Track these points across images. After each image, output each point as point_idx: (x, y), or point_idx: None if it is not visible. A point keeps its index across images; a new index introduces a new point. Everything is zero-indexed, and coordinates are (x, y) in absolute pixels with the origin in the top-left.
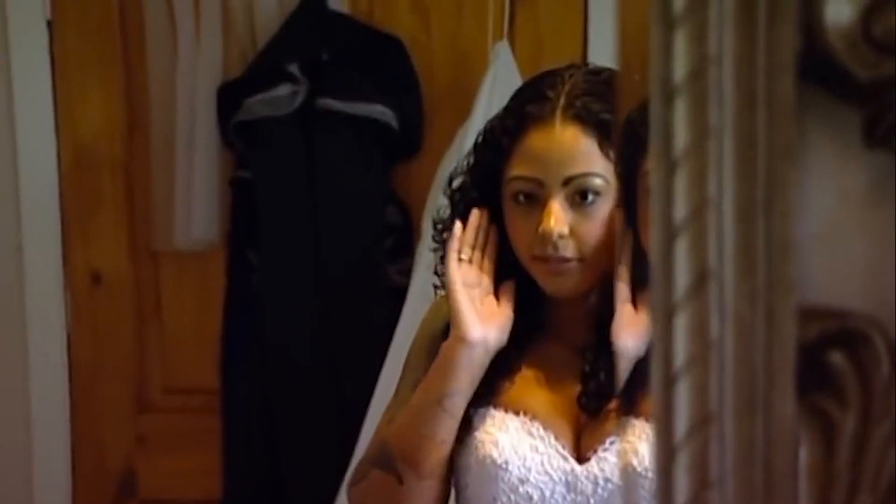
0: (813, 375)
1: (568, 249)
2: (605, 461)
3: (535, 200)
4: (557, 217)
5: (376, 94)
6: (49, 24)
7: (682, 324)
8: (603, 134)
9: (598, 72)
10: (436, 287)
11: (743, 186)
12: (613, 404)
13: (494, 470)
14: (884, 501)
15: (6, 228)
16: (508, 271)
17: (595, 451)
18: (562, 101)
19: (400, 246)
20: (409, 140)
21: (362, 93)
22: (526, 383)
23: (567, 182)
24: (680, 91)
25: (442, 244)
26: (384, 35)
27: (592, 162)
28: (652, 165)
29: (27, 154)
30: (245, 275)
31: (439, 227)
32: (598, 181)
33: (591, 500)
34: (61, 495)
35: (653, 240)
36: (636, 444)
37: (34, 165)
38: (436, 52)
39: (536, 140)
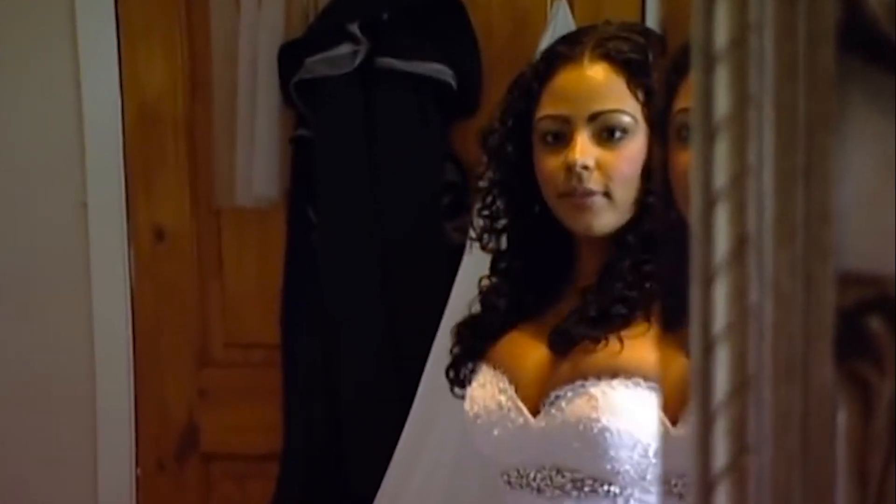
0: (851, 341)
1: (592, 182)
2: (549, 414)
3: (563, 139)
4: (583, 148)
5: (435, 53)
6: None
7: (720, 290)
8: (632, 72)
9: (633, 24)
10: (471, 239)
11: (782, 154)
12: (589, 347)
13: (471, 423)
14: None
15: (72, 185)
16: (538, 222)
17: (543, 404)
18: (592, 42)
19: (457, 203)
20: (468, 98)
21: (421, 52)
22: (520, 336)
23: (594, 117)
24: (721, 58)
25: (479, 193)
26: None
27: (620, 99)
28: (691, 123)
29: (92, 112)
30: (305, 232)
31: (479, 180)
32: (625, 118)
33: (544, 454)
34: (124, 447)
35: (693, 207)
36: (581, 402)
37: (99, 123)
38: (494, 10)
39: (565, 78)
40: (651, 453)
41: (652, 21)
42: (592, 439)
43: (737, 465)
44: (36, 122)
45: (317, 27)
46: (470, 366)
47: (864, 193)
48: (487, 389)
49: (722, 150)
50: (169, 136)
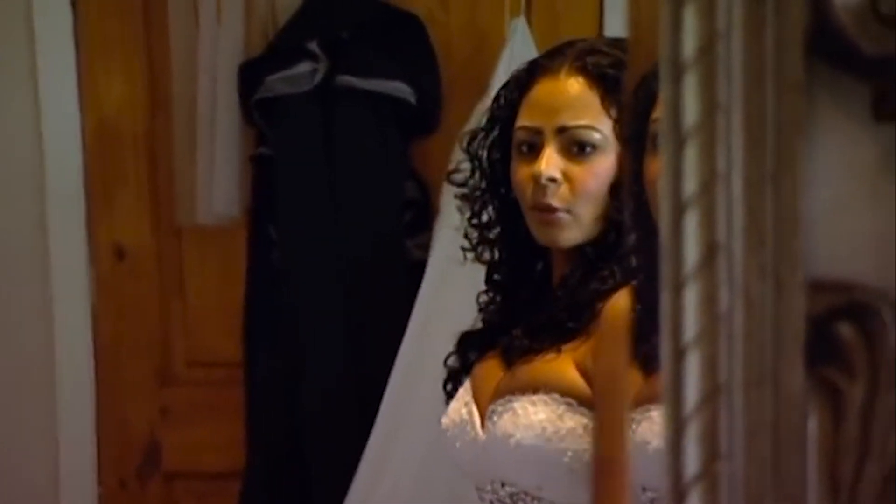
0: (821, 348)
1: (557, 198)
2: (487, 429)
3: (535, 150)
4: (549, 160)
5: (395, 72)
6: (73, 2)
7: (691, 297)
8: (607, 88)
9: (618, 40)
10: (464, 249)
11: (752, 161)
12: (527, 359)
13: (442, 436)
14: (891, 472)
15: (31, 204)
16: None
17: (484, 419)
18: (572, 54)
19: (418, 221)
20: (428, 116)
21: (381, 70)
22: (498, 351)
23: (562, 130)
24: (689, 66)
25: (467, 202)
26: (402, 13)
27: (592, 115)
28: (662, 133)
29: (51, 131)
30: (266, 250)
31: (462, 188)
32: (595, 135)
33: (486, 466)
34: (86, 466)
35: (662, 214)
36: (507, 417)
37: (58, 142)
38: (453, 29)
39: (541, 90)
40: (575, 468)
41: (611, 33)
42: (518, 454)
43: (709, 472)
44: None
45: (277, 45)
46: (462, 380)
47: (833, 199)
48: (458, 403)
49: (691, 158)
50: (129, 154)
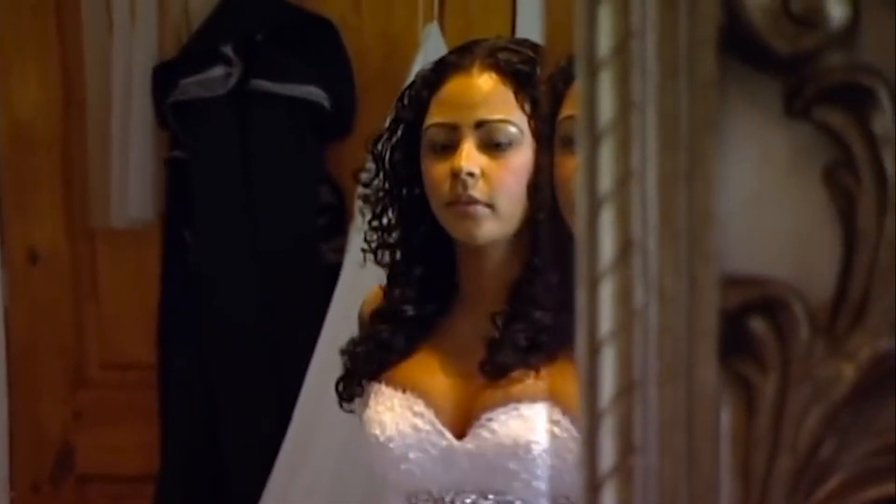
0: (734, 342)
1: (477, 191)
2: (479, 437)
3: (450, 147)
4: (468, 155)
5: (308, 76)
6: None
7: (606, 293)
8: (520, 83)
9: (524, 40)
10: (364, 251)
11: (666, 158)
12: (516, 374)
13: (378, 448)
14: (803, 464)
15: None
16: (428, 233)
17: (472, 427)
18: (482, 52)
19: (333, 224)
20: (342, 120)
21: (295, 74)
22: (424, 357)
23: (480, 125)
24: (604, 65)
25: (369, 204)
26: (316, 17)
27: (507, 109)
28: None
29: None
30: (180, 253)
31: (366, 189)
32: (511, 129)
33: (469, 477)
34: None
35: (578, 211)
36: (516, 423)
37: None
38: (367, 33)
39: (453, 87)
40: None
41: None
42: (530, 460)
43: (623, 466)
44: None
45: (190, 48)
46: (363, 383)
47: (746, 196)
48: (398, 412)
49: (606, 155)
50: (43, 157)
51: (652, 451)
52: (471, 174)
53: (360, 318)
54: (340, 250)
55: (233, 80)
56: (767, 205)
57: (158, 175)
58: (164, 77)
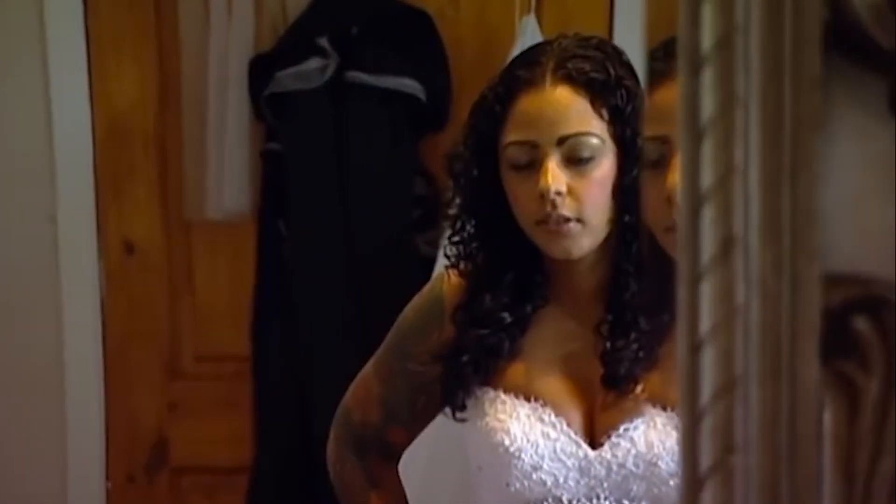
0: (837, 341)
1: (566, 208)
2: (619, 447)
3: (533, 165)
4: (554, 175)
5: (405, 68)
6: None
7: (707, 290)
8: (595, 93)
9: (588, 38)
10: (447, 267)
11: (769, 154)
12: (636, 386)
13: (507, 457)
14: None
15: (42, 199)
16: (511, 242)
17: (609, 437)
18: (552, 63)
19: (427, 216)
20: (437, 113)
21: (391, 66)
22: (534, 364)
23: (561, 142)
24: (707, 60)
25: (450, 219)
26: (413, 9)
27: (585, 121)
28: (680, 137)
29: (62, 125)
30: (275, 245)
31: (448, 208)
32: (593, 140)
33: (605, 485)
34: (95, 461)
35: (680, 207)
36: (652, 433)
37: (69, 136)
38: (463, 26)
39: (528, 103)
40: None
41: (621, 33)
42: (664, 468)
43: (723, 465)
44: (5, 135)
45: (286, 41)
46: (474, 391)
47: (849, 194)
48: (526, 421)
49: (708, 151)
50: (139, 149)
51: (752, 451)
52: (559, 193)
53: (438, 306)
54: (434, 242)
55: (329, 73)
56: (871, 203)
57: (254, 167)
58: (261, 69)
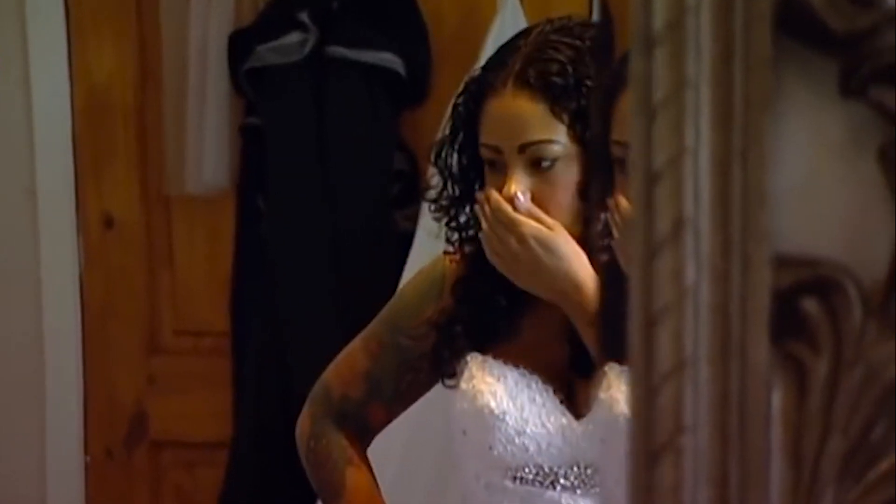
0: (786, 322)
1: None
2: (596, 418)
3: (500, 166)
4: (517, 180)
5: (385, 42)
6: None
7: (659, 270)
8: (554, 98)
9: (570, 26)
10: (447, 253)
11: (720, 136)
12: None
13: (492, 420)
14: (855, 445)
15: (21, 173)
16: None
17: (587, 407)
18: (517, 67)
19: (407, 192)
20: (417, 87)
21: (371, 41)
22: (525, 337)
23: (523, 149)
24: (659, 41)
25: (441, 213)
26: None
27: (545, 128)
28: (630, 117)
29: (41, 99)
30: (255, 220)
31: (434, 198)
32: (554, 147)
33: (586, 456)
34: (73, 435)
35: (632, 187)
36: (618, 394)
37: (48, 110)
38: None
39: (493, 109)
40: None
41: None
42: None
43: (673, 444)
44: None
45: (267, 15)
46: (464, 357)
47: (800, 176)
48: (513, 386)
49: (659, 132)
50: (119, 124)
51: (702, 431)
52: (521, 199)
53: (438, 282)
54: (413, 218)
55: (309, 47)
56: (821, 185)
57: (233, 142)
58: (240, 44)
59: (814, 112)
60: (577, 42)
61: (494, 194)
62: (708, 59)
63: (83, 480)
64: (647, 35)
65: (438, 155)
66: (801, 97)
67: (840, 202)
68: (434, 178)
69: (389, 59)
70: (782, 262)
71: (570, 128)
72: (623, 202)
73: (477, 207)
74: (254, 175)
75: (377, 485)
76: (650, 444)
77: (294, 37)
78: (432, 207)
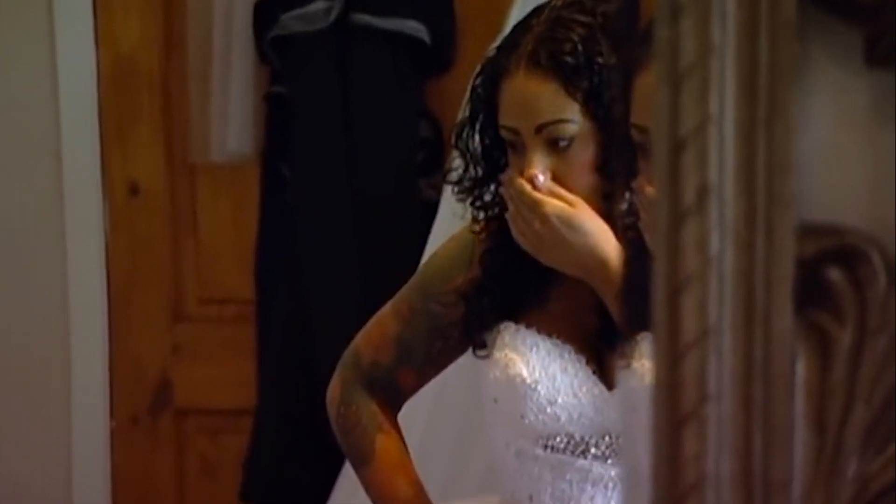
0: (811, 291)
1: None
2: (628, 387)
3: (520, 148)
4: (536, 162)
5: (410, 10)
6: None
7: (683, 239)
8: (566, 76)
9: (580, 3)
10: (474, 233)
11: (744, 105)
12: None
13: (524, 388)
14: (878, 415)
15: (46, 140)
16: None
17: (614, 377)
18: (528, 48)
19: (431, 160)
20: (442, 55)
21: (396, 8)
22: (557, 307)
23: (539, 130)
24: (685, 8)
25: (465, 194)
26: None
27: (560, 108)
28: (653, 86)
29: (67, 65)
30: (279, 188)
31: (456, 180)
32: (570, 126)
33: (617, 425)
34: (98, 402)
35: (657, 154)
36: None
37: (73, 76)
38: None
39: (507, 91)
40: None
41: None
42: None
43: (697, 413)
44: (9, 73)
45: None
46: (496, 327)
47: (824, 145)
48: (545, 355)
49: (684, 100)
50: (144, 91)
51: (726, 400)
52: (542, 179)
53: (469, 249)
54: (438, 186)
55: (334, 15)
56: (846, 154)
57: (258, 110)
58: (266, 12)
59: (839, 81)
60: (589, 18)
61: (517, 178)
62: (733, 27)
63: (108, 446)
64: (673, 2)
65: (459, 136)
66: (826, 66)
67: (865, 171)
68: (455, 161)
69: (414, 27)
70: (807, 231)
71: (584, 106)
72: (647, 188)
73: (502, 189)
74: (278, 143)
75: (407, 450)
76: (674, 412)
77: (319, 4)
78: (455, 189)
